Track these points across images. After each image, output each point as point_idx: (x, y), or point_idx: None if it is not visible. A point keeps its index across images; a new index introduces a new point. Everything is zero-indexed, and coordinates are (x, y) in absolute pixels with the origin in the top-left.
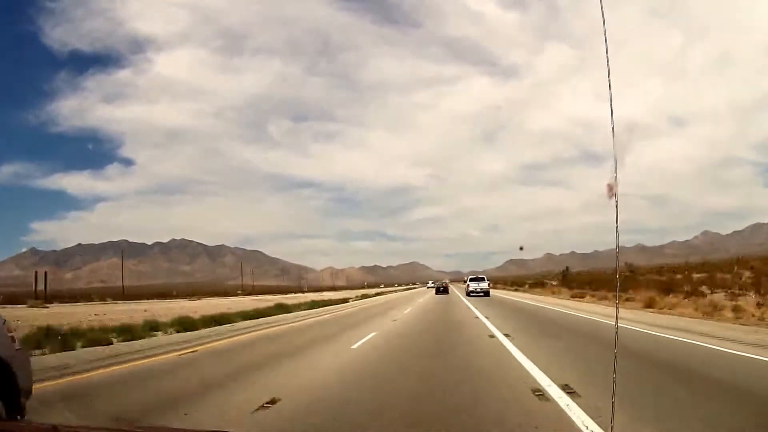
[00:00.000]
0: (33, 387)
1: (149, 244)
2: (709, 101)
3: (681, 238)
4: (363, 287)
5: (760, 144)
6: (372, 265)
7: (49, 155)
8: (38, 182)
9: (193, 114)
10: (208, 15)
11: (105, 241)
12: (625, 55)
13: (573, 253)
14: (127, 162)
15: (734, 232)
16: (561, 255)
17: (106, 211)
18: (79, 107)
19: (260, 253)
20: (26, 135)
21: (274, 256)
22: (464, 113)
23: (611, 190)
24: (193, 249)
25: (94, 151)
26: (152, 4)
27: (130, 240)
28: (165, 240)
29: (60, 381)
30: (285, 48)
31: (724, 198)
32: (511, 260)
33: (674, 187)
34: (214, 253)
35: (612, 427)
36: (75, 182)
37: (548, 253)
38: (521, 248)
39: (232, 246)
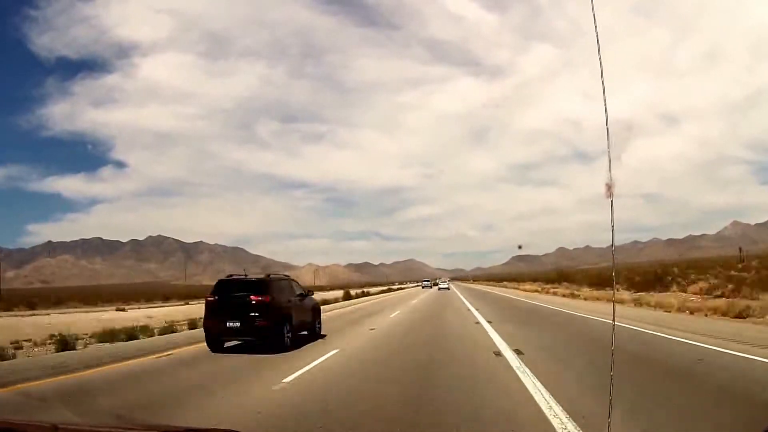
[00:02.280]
0: None
1: (124, 241)
2: (700, 99)
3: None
4: (344, 288)
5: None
6: (362, 262)
7: (39, 158)
8: (27, 184)
9: (182, 117)
10: (192, 20)
11: (77, 239)
12: (612, 53)
13: (588, 247)
14: (119, 164)
15: (756, 224)
16: (575, 249)
17: (95, 212)
18: (69, 111)
19: (241, 250)
20: (17, 137)
21: (256, 253)
22: (453, 113)
23: (609, 188)
24: (168, 246)
25: (85, 153)
26: (136, 10)
27: (104, 237)
28: (141, 237)
29: None
30: (270, 51)
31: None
32: (517, 256)
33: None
34: (190, 250)
35: (609, 425)
36: (64, 185)
37: (561, 248)
38: (520, 246)
39: (212, 243)
